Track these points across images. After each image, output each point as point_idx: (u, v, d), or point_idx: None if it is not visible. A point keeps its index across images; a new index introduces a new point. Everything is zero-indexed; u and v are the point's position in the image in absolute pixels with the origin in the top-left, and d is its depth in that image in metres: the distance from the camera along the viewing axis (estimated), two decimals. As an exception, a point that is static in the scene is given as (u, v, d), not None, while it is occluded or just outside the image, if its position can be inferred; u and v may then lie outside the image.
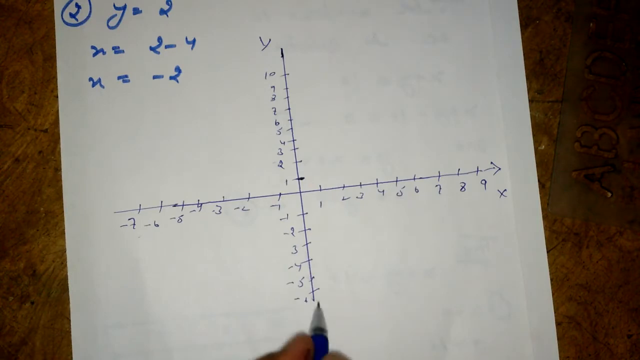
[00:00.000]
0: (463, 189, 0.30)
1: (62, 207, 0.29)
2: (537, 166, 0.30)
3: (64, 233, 0.29)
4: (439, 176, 0.30)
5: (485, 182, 0.30)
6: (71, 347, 0.29)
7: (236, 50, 0.30)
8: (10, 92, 0.30)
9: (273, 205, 0.30)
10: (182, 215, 0.29)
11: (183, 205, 0.29)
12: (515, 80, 0.30)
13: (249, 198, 0.30)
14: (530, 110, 0.30)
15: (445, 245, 0.30)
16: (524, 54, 0.30)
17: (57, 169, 0.29)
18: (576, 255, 0.30)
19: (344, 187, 0.30)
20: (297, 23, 0.30)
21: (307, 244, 0.30)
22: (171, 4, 0.30)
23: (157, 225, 0.29)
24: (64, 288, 0.29)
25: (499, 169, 0.30)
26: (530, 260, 0.30)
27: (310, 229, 0.30)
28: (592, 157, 0.30)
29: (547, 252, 0.30)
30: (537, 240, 0.30)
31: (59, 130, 0.29)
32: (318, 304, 0.29)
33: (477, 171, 0.30)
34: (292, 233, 0.30)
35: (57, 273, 0.29)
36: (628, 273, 0.30)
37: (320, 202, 0.30)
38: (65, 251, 0.29)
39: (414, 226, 0.30)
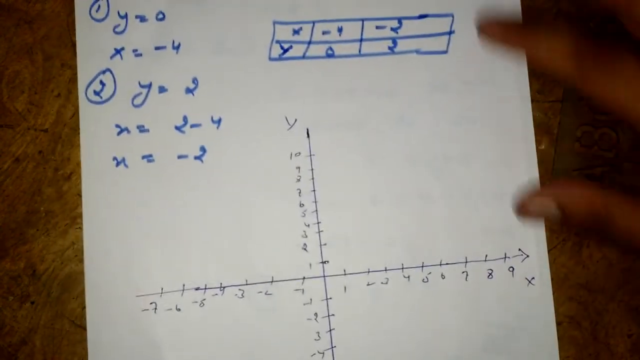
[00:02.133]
0: (490, 276, 0.30)
1: (62, 207, 0.29)
2: (537, 166, 0.30)
3: (65, 233, 0.29)
4: (466, 262, 0.30)
5: (513, 269, 0.30)
6: (71, 347, 0.29)
7: (262, 130, 0.30)
8: (10, 92, 0.30)
9: (296, 290, 0.29)
10: (204, 300, 0.29)
11: (205, 288, 0.29)
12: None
13: (272, 281, 0.29)
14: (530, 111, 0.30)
15: (471, 334, 0.29)
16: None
17: (57, 169, 0.29)
18: (576, 254, 0.30)
19: (369, 271, 0.30)
20: (324, 103, 0.30)
21: (330, 330, 0.29)
22: (197, 82, 0.30)
23: (179, 310, 0.29)
24: (64, 288, 0.29)
25: (527, 256, 0.30)
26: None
27: (334, 315, 0.29)
28: (592, 157, 0.30)
29: (547, 251, 0.30)
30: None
31: (59, 130, 0.29)
32: None
33: (505, 258, 0.30)
34: (315, 319, 0.29)
35: (57, 273, 0.29)
36: (628, 273, 0.30)
37: (345, 287, 0.30)
38: (64, 251, 0.29)
39: (439, 314, 0.29)
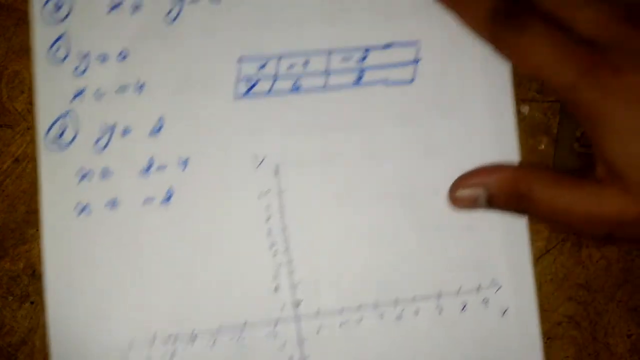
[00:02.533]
0: (464, 309, 0.30)
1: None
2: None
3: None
4: (439, 296, 0.30)
5: (487, 300, 0.30)
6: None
7: (229, 169, 0.29)
8: (10, 92, 0.29)
9: (269, 333, 0.29)
10: (174, 351, 0.28)
11: (177, 337, 0.28)
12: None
13: (244, 326, 0.29)
14: (529, 110, 0.30)
15: (448, 370, 0.29)
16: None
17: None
18: (576, 254, 0.30)
19: (342, 310, 0.29)
20: (292, 139, 0.30)
21: (305, 372, 0.29)
22: (163, 122, 0.29)
23: None
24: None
25: (500, 286, 0.30)
26: None
27: (309, 357, 0.29)
28: (592, 157, 0.30)
29: (547, 252, 0.30)
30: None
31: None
32: None
33: (479, 289, 0.30)
34: (290, 362, 0.29)
35: (57, 273, 0.28)
36: (628, 273, 0.30)
37: (318, 329, 0.29)
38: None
39: (415, 351, 0.29)
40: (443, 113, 0.30)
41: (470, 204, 0.28)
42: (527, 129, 0.30)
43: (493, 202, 0.28)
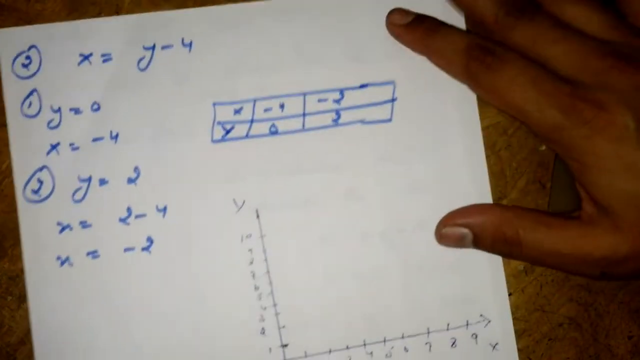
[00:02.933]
0: (454, 345, 0.29)
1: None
2: (538, 167, 0.30)
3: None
4: (428, 332, 0.29)
5: (477, 336, 0.29)
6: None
7: (210, 214, 0.29)
8: None
9: (257, 379, 0.29)
10: None
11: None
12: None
13: (232, 372, 0.29)
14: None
15: (439, 407, 0.29)
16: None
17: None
18: None
19: (330, 351, 0.29)
20: (271, 182, 0.29)
21: (295, 417, 0.29)
22: (139, 171, 0.29)
23: None
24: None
25: (489, 321, 0.30)
26: None
27: (297, 401, 0.29)
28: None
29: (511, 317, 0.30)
30: None
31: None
32: None
33: (467, 325, 0.29)
34: (279, 407, 0.29)
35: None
36: None
37: (307, 371, 0.29)
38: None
39: (405, 390, 0.29)
40: (422, 150, 0.30)
41: (456, 242, 0.28)
42: (527, 130, 0.30)
43: (479, 243, 0.27)
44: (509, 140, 0.31)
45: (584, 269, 0.26)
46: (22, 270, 0.28)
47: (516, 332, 0.30)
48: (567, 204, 0.29)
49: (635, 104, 0.24)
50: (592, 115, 0.24)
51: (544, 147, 0.30)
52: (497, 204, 0.28)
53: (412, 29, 0.28)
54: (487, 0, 0.26)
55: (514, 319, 0.30)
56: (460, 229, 0.28)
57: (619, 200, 0.24)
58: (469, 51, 0.26)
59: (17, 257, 0.28)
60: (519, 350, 0.30)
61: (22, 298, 0.28)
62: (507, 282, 0.30)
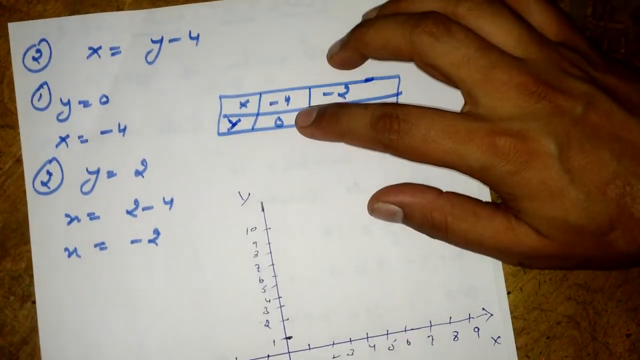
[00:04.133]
0: (456, 338, 0.30)
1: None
2: None
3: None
4: (431, 326, 0.30)
5: (479, 329, 0.30)
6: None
7: (215, 206, 0.29)
8: (11, 92, 0.29)
9: (261, 370, 0.29)
10: None
11: (169, 378, 0.29)
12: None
13: (236, 363, 0.29)
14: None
15: (441, 400, 0.29)
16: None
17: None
18: None
19: (333, 344, 0.29)
20: (276, 175, 0.30)
21: (298, 407, 0.29)
22: (146, 164, 0.29)
23: None
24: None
25: (492, 314, 0.30)
26: None
27: (301, 392, 0.29)
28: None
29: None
30: None
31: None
32: None
33: (470, 318, 0.30)
34: (282, 398, 0.29)
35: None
36: (627, 273, 0.30)
37: (311, 362, 0.29)
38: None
39: (408, 382, 0.29)
40: None
41: (387, 217, 0.28)
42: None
43: (408, 222, 0.28)
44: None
45: (503, 259, 0.28)
46: (24, 270, 0.29)
47: (515, 330, 0.30)
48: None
49: (555, 129, 0.24)
50: (514, 150, 0.24)
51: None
52: (431, 187, 0.28)
53: (318, 125, 0.29)
54: (395, 25, 0.26)
55: (513, 317, 0.30)
56: (392, 206, 0.28)
57: (546, 224, 0.24)
58: (374, 125, 0.26)
59: (20, 257, 0.29)
60: (517, 348, 0.30)
61: (24, 298, 0.29)
62: (506, 280, 0.30)
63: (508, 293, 0.30)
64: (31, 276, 0.29)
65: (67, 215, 0.29)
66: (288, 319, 0.29)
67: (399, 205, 0.28)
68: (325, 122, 0.28)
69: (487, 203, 0.27)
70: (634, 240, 0.24)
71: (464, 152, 0.25)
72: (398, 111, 0.26)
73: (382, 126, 0.26)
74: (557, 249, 0.25)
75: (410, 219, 0.28)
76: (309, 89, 0.30)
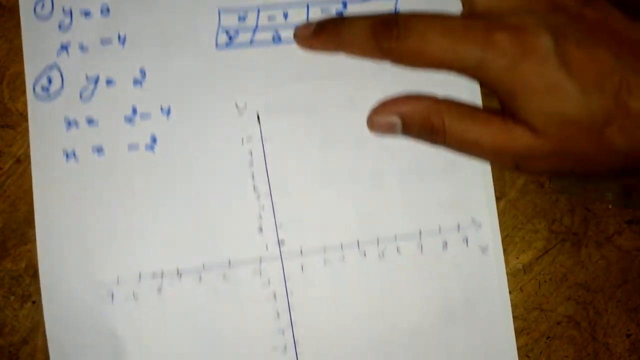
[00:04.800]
0: (445, 247, 0.30)
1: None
2: None
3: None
4: (420, 234, 0.30)
5: (467, 239, 0.30)
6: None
7: (212, 116, 0.30)
8: (11, 92, 0.30)
9: (254, 271, 0.29)
10: (161, 287, 0.29)
11: (162, 275, 0.29)
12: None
13: (229, 265, 0.29)
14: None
15: (430, 306, 0.30)
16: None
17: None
18: (575, 254, 0.30)
19: (325, 249, 0.30)
20: (273, 88, 0.30)
21: (289, 310, 0.29)
22: (145, 73, 0.30)
23: (137, 299, 0.29)
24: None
25: (480, 225, 0.30)
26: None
27: (292, 294, 0.29)
28: None
29: (546, 251, 0.30)
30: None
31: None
32: None
33: (459, 228, 0.30)
34: (274, 298, 0.29)
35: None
36: (627, 273, 0.31)
37: (302, 266, 0.30)
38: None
39: (397, 288, 0.30)
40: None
41: (387, 130, 0.29)
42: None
43: (407, 130, 0.28)
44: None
45: (500, 161, 0.27)
46: (24, 270, 0.29)
47: (515, 330, 0.30)
48: (565, 203, 0.30)
49: (552, 24, 0.24)
50: (510, 44, 0.24)
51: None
52: (427, 94, 0.28)
53: (318, 34, 0.29)
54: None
55: (513, 317, 0.30)
56: (392, 117, 0.28)
57: (542, 119, 0.25)
58: (375, 31, 0.27)
59: (20, 257, 0.29)
60: (517, 348, 0.30)
61: (24, 298, 0.29)
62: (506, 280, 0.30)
63: (510, 292, 0.30)
64: (31, 276, 0.29)
65: (66, 120, 0.30)
66: (281, 225, 0.30)
67: (397, 115, 0.28)
68: (325, 32, 0.29)
69: (483, 109, 0.28)
70: (629, 137, 0.24)
71: (461, 49, 0.25)
72: (397, 16, 0.27)
73: (382, 33, 0.26)
74: (552, 146, 0.25)
75: (409, 127, 0.28)
76: (307, 5, 0.31)
